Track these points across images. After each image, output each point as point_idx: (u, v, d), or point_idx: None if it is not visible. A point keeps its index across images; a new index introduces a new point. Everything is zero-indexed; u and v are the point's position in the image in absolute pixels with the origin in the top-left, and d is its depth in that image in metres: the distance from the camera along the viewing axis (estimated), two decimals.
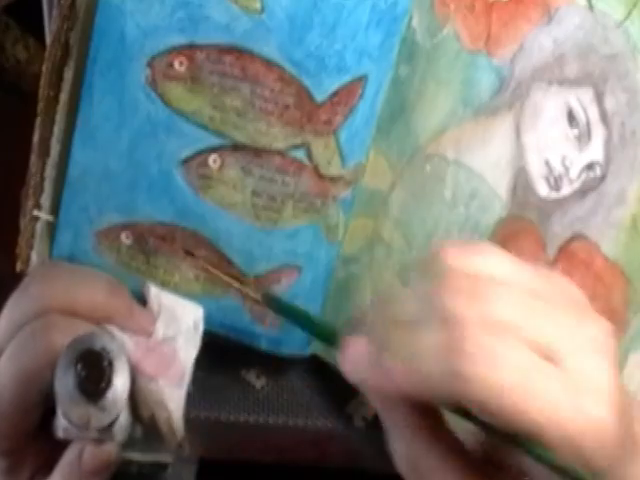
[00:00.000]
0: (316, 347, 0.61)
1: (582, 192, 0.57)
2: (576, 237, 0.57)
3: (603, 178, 0.57)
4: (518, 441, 0.44)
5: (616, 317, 0.56)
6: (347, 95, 0.56)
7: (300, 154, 0.56)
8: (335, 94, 0.55)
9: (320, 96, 0.55)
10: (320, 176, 0.57)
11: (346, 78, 0.55)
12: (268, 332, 0.60)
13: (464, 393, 0.43)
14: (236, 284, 0.54)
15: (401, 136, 0.58)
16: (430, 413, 0.47)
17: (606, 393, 0.43)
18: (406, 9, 0.56)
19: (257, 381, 0.66)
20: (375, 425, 0.66)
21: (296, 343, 0.61)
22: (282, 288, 0.59)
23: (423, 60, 0.56)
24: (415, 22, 0.56)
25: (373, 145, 0.58)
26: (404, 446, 0.47)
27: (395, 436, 0.47)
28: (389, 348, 0.45)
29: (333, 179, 0.57)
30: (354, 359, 0.47)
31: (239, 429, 0.66)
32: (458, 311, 0.44)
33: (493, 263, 0.46)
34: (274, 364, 0.63)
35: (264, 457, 0.66)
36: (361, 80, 0.56)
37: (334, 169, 0.57)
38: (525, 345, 0.43)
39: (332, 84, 0.55)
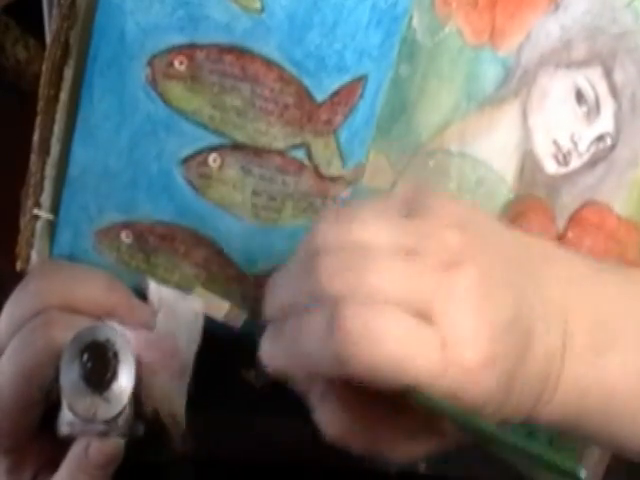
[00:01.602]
0: None
1: (592, 162, 0.58)
2: (586, 204, 0.58)
3: (614, 147, 0.57)
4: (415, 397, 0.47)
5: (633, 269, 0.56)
6: (347, 95, 0.56)
7: (300, 154, 0.56)
8: (335, 94, 0.55)
9: (320, 96, 0.55)
10: (320, 176, 0.57)
11: (346, 78, 0.55)
12: None
13: (348, 372, 0.46)
14: None
15: (402, 135, 0.58)
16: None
17: (476, 340, 0.46)
18: (406, 9, 0.56)
19: (257, 381, 0.66)
20: None
21: None
22: None
23: (424, 59, 0.56)
24: (415, 22, 0.56)
25: (373, 145, 0.58)
26: (332, 414, 0.50)
27: (322, 408, 0.50)
28: (284, 336, 0.48)
29: (333, 179, 0.57)
30: (265, 351, 0.49)
31: (239, 429, 0.66)
32: (331, 291, 0.46)
33: (364, 230, 0.48)
34: None
35: (264, 457, 0.66)
36: (361, 80, 0.56)
37: (334, 169, 0.57)
38: (398, 309, 0.46)
39: (332, 84, 0.55)
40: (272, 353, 0.49)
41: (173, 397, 0.55)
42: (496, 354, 0.47)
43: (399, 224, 0.49)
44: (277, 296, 0.49)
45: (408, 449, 0.51)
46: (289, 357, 0.48)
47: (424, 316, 0.46)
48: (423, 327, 0.46)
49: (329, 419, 0.50)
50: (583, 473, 0.44)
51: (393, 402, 0.49)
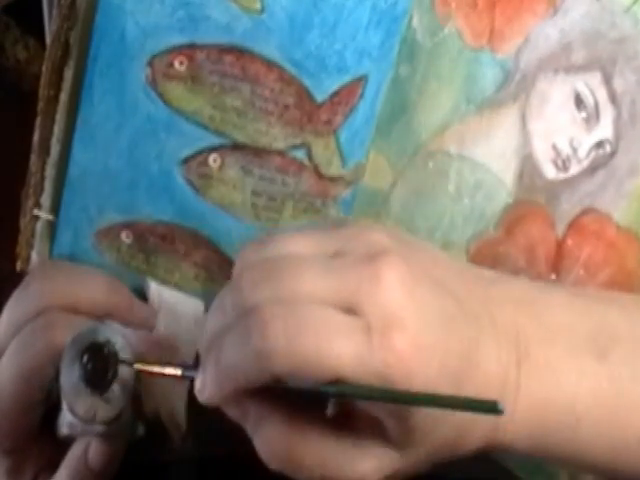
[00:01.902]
0: None
1: (592, 169, 0.57)
2: (586, 211, 0.58)
3: (613, 154, 0.57)
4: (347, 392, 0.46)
5: (632, 279, 0.57)
6: (347, 95, 0.56)
7: (300, 154, 0.56)
8: (335, 94, 0.55)
9: (320, 96, 0.55)
10: (320, 176, 0.57)
11: (346, 78, 0.55)
12: None
13: (272, 370, 0.45)
14: None
15: (402, 135, 0.58)
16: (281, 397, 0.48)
17: (402, 320, 0.45)
18: (406, 9, 0.56)
19: None
20: None
21: None
22: None
23: (424, 59, 0.56)
24: (415, 22, 0.56)
25: (373, 145, 0.58)
26: (269, 439, 0.47)
27: (258, 434, 0.48)
28: (209, 361, 0.47)
29: (333, 179, 0.57)
30: (195, 387, 0.47)
31: (239, 429, 0.66)
32: (253, 300, 0.45)
33: (285, 243, 0.48)
34: None
35: None
36: (361, 80, 0.56)
37: (334, 169, 0.57)
38: (320, 304, 0.45)
39: (332, 84, 0.55)
40: (201, 384, 0.47)
41: (173, 398, 0.55)
42: (431, 343, 0.46)
43: (322, 233, 0.48)
44: (206, 330, 0.48)
45: (361, 465, 0.48)
46: (216, 380, 0.46)
47: (352, 309, 0.46)
48: (345, 316, 0.45)
49: (267, 446, 0.47)
50: (500, 405, 0.44)
51: (333, 418, 0.48)
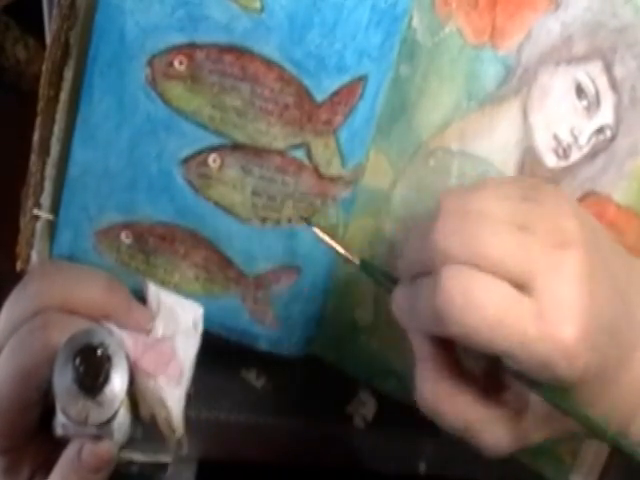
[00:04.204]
0: (316, 347, 0.61)
1: (592, 154, 0.58)
2: (586, 195, 0.58)
3: (614, 138, 0.58)
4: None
5: (632, 254, 0.56)
6: (347, 95, 0.56)
7: (300, 154, 0.56)
8: (335, 94, 0.55)
9: (320, 96, 0.55)
10: (320, 176, 0.57)
11: (346, 78, 0.55)
12: (267, 332, 0.60)
13: (447, 332, 0.48)
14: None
15: (402, 134, 0.58)
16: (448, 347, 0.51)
17: (575, 317, 0.47)
18: (406, 9, 0.56)
19: (257, 381, 0.66)
20: (375, 425, 0.66)
21: (295, 343, 0.61)
22: (282, 288, 0.59)
23: (424, 59, 0.57)
24: (415, 22, 0.56)
25: (373, 145, 0.58)
26: (430, 374, 0.51)
27: (423, 366, 0.51)
28: (406, 293, 0.51)
29: (333, 179, 0.57)
30: (395, 307, 0.52)
31: (239, 429, 0.66)
32: (443, 249, 0.48)
33: (485, 201, 0.49)
34: (274, 364, 0.63)
35: (264, 457, 0.66)
36: (361, 80, 0.56)
37: (334, 169, 0.57)
38: (500, 277, 0.47)
39: (332, 84, 0.55)
40: (397, 308, 0.51)
41: (170, 402, 0.55)
42: (596, 339, 0.47)
43: (517, 202, 0.49)
44: (405, 254, 0.51)
45: (495, 435, 0.51)
46: (407, 314, 0.51)
47: (524, 287, 0.47)
48: (521, 297, 0.47)
49: (426, 378, 0.51)
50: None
51: (489, 384, 0.51)
